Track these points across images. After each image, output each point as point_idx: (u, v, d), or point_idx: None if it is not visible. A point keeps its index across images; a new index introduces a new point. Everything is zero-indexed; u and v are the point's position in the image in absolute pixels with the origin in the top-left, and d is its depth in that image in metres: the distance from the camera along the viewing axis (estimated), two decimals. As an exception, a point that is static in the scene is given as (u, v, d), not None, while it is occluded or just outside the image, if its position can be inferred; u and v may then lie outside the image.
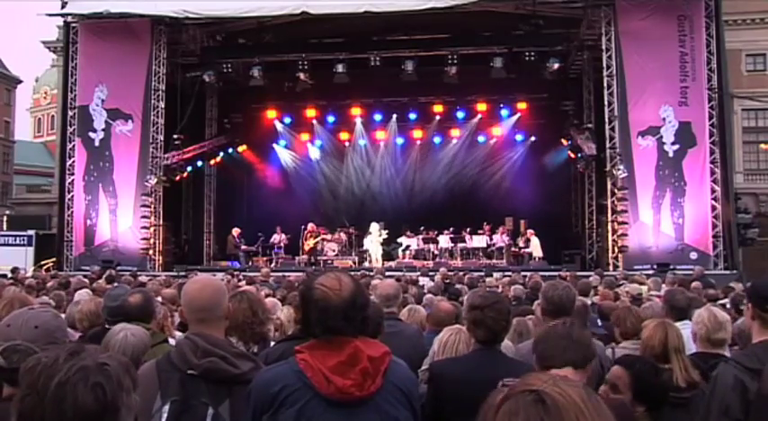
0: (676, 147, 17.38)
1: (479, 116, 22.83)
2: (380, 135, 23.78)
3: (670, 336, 3.51)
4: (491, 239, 21.06)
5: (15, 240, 23.99)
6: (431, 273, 13.40)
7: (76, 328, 4.41)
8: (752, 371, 2.68)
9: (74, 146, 19.69)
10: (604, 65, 17.81)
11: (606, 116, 17.81)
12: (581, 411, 1.08)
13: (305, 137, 24.14)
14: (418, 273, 13.77)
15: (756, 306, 2.88)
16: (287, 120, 23.66)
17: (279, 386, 2.12)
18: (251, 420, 2.16)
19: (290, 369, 2.14)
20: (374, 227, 20.32)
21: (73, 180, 19.58)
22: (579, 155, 20.72)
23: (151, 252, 19.15)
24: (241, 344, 3.52)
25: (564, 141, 21.80)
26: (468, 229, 21.17)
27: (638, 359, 3.32)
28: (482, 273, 13.18)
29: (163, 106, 19.49)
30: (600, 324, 4.66)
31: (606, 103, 17.77)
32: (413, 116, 22.95)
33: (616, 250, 17.53)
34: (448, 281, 11.43)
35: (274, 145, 24.27)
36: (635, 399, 2.84)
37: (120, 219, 19.27)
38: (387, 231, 20.84)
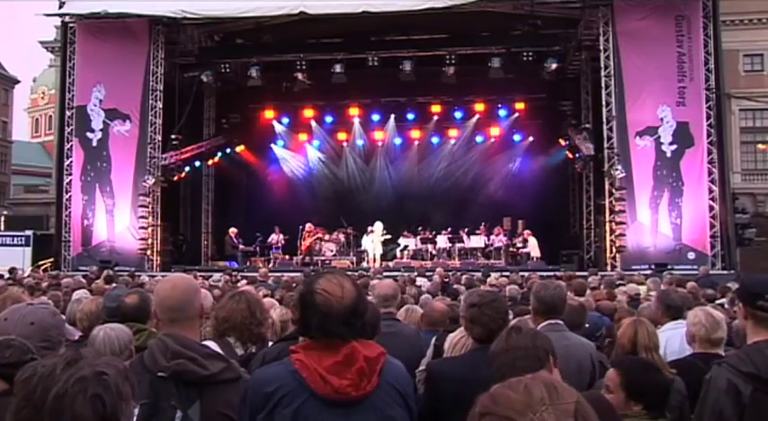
0: (674, 147, 17.37)
1: (477, 116, 22.80)
2: (378, 135, 23.73)
3: (640, 334, 3.47)
4: (489, 239, 21.06)
5: (13, 240, 23.88)
6: (428, 274, 13.37)
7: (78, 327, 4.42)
8: (745, 374, 2.62)
9: (71, 146, 19.65)
10: (602, 65, 17.81)
11: (604, 116, 17.80)
12: None
13: (303, 137, 24.09)
14: (415, 274, 13.75)
15: (747, 304, 2.78)
16: (285, 120, 23.61)
17: (273, 386, 2.10)
18: (246, 420, 2.15)
19: (285, 369, 2.13)
20: (378, 225, 20.26)
21: (70, 180, 19.53)
22: (577, 155, 20.70)
23: (149, 252, 19.12)
24: (239, 345, 3.53)
25: (562, 141, 21.79)
26: (466, 230, 21.17)
27: (629, 358, 3.31)
28: (480, 274, 13.15)
29: (161, 106, 19.45)
30: None
31: (604, 103, 17.77)
32: (411, 116, 22.94)
33: (614, 250, 17.52)
34: (447, 280, 11.44)
35: (272, 145, 24.24)
36: (629, 398, 2.79)
37: (118, 219, 19.24)
38: (386, 231, 20.82)
